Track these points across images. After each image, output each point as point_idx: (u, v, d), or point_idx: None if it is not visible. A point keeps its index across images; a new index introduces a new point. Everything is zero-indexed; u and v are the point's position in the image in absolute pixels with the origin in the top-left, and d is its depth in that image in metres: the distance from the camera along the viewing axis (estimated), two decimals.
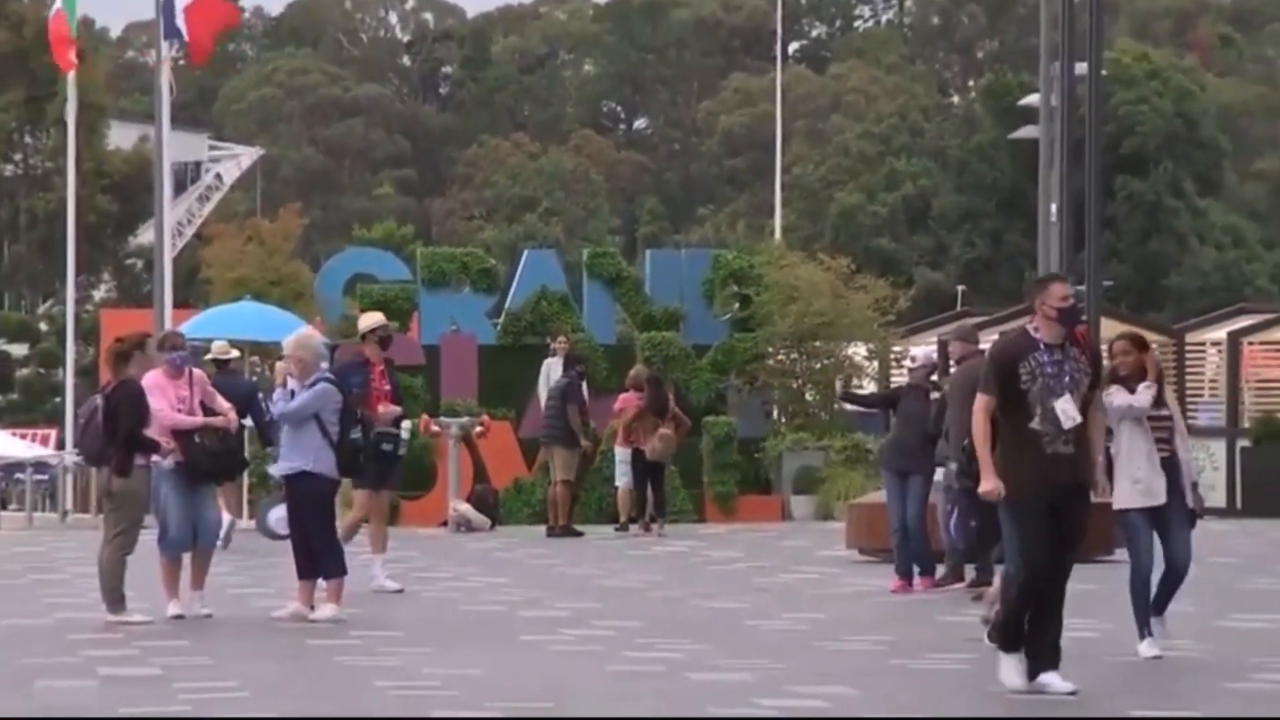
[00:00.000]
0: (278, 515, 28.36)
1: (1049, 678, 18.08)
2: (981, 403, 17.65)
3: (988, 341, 47.09)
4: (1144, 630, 22.54)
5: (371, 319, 31.52)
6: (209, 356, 31.39)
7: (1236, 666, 22.11)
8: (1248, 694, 20.83)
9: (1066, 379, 17.33)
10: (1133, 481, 22.36)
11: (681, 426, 43.09)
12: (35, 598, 29.34)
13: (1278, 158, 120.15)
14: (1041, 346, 17.41)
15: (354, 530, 30.14)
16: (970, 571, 30.27)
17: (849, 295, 54.32)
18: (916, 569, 30.33)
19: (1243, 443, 53.13)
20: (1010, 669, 18.13)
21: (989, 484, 17.67)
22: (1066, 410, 17.22)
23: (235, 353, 33.61)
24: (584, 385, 43.15)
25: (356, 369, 29.93)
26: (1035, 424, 17.28)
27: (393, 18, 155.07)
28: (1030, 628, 18.08)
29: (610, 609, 28.14)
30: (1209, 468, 57.15)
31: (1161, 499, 22.49)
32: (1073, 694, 18.24)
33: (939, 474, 30.62)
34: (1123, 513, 22.48)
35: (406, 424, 32.74)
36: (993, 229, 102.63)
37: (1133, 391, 22.30)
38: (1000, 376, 17.48)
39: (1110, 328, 47.26)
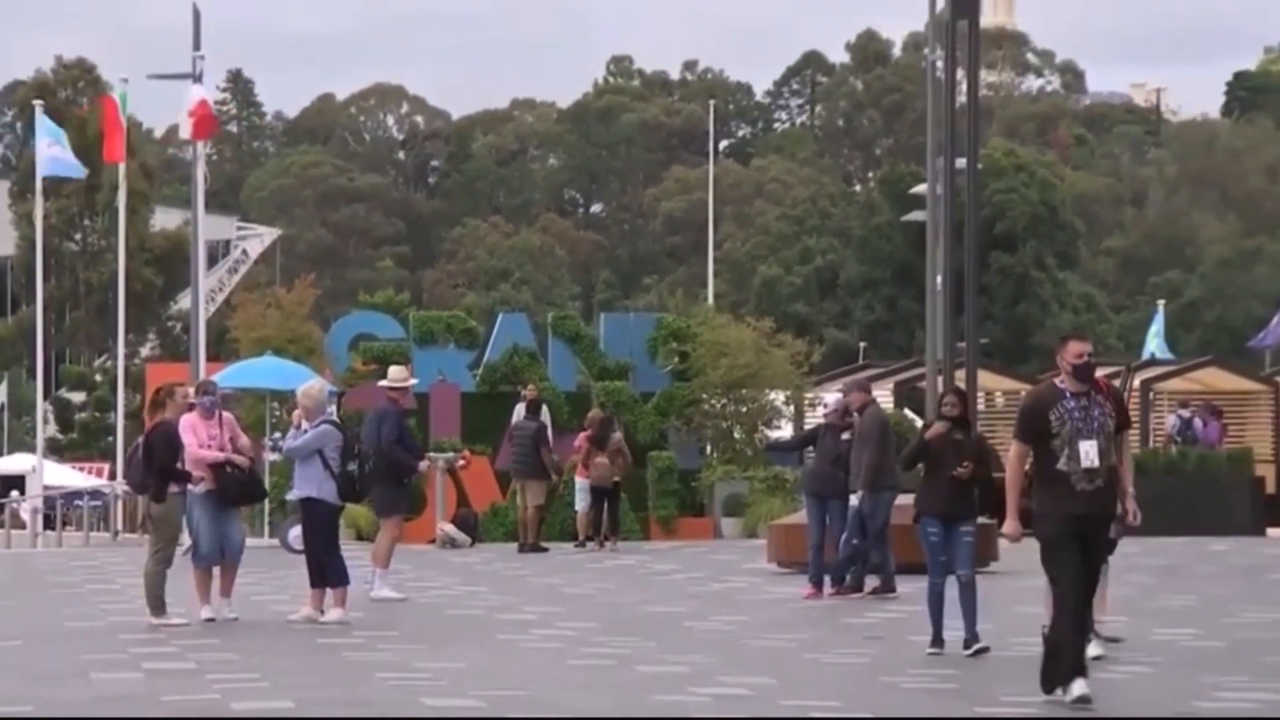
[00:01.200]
0: (294, 533, 28.34)
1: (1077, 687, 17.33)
2: (1017, 450, 17.36)
3: (881, 389, 47.22)
4: (941, 634, 22.75)
5: (403, 372, 31.76)
6: (384, 383, 31.19)
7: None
8: (1103, 682, 20.87)
9: (1094, 424, 16.92)
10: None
11: (622, 458, 43.14)
12: (92, 604, 29.27)
13: (1123, 237, 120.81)
14: (1067, 395, 17.03)
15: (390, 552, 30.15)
16: (871, 581, 30.33)
17: (770, 351, 54.42)
18: (832, 581, 30.32)
19: None
20: (1078, 686, 17.28)
21: (1010, 527, 17.26)
22: (1089, 452, 16.78)
23: (319, 389, 33.52)
24: (549, 427, 43.17)
25: (390, 416, 29.99)
26: (1062, 464, 16.83)
27: (390, 120, 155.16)
28: (1065, 653, 17.39)
29: (571, 612, 28.11)
30: None
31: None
32: (1085, 701, 17.26)
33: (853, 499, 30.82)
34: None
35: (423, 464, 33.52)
36: (889, 296, 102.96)
37: None
38: (1033, 424, 17.09)
39: (985, 378, 47.25)
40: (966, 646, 22.37)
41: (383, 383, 31.96)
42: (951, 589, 22.82)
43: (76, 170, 62.67)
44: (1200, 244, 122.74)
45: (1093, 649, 21.70)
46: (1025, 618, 22.59)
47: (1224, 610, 28.33)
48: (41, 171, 63.71)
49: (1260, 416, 59.06)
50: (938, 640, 22.89)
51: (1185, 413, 56.18)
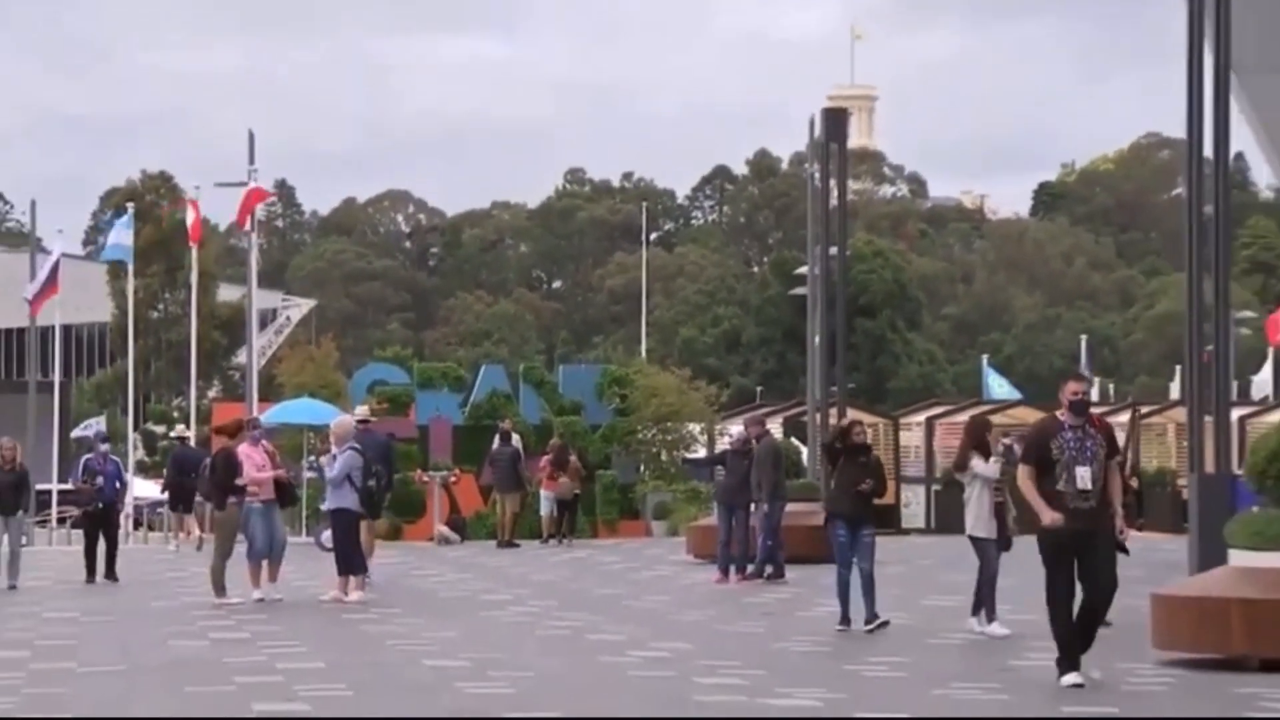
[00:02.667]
0: (325, 535, 28.23)
1: (1074, 675, 16.59)
2: (1025, 471, 16.64)
3: (773, 423, 47.02)
4: (978, 610, 22.02)
5: (364, 409, 31.63)
6: (355, 418, 30.85)
7: (936, 629, 22.06)
8: (944, 647, 20.85)
9: (1088, 453, 16.35)
10: (980, 519, 22.12)
11: (576, 475, 43.15)
12: (170, 589, 29.10)
13: (956, 307, 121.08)
14: (1066, 427, 16.45)
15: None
16: (766, 569, 30.26)
17: (688, 393, 54.39)
18: (736, 568, 30.21)
19: (935, 486, 53.14)
20: (1071, 678, 16.54)
21: (1048, 517, 16.21)
22: (1084, 476, 16.24)
23: (373, 418, 33.17)
24: (521, 451, 43.05)
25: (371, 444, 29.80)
26: (1061, 486, 16.23)
27: (399, 217, 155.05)
28: (1073, 643, 16.73)
29: (537, 594, 27.96)
30: (914, 502, 57.35)
31: (994, 534, 22.28)
32: (1079, 685, 16.44)
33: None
34: (976, 539, 22.07)
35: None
36: (779, 351, 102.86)
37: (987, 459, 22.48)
38: (1038, 452, 16.50)
39: (852, 413, 47.12)
40: (868, 623, 21.99)
41: (356, 415, 31.72)
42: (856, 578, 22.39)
43: (128, 255, 62.69)
44: (1014, 312, 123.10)
45: (999, 629, 21.72)
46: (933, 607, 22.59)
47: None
48: (105, 256, 63.62)
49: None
50: (845, 619, 22.39)
51: (1008, 440, 56.35)
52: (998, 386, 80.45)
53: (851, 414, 47.18)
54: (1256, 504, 20.25)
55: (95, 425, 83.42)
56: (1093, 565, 16.30)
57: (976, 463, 22.18)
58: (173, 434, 39.76)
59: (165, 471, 47.89)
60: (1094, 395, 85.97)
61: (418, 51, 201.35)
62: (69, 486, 59.10)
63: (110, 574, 29.70)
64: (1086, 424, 16.39)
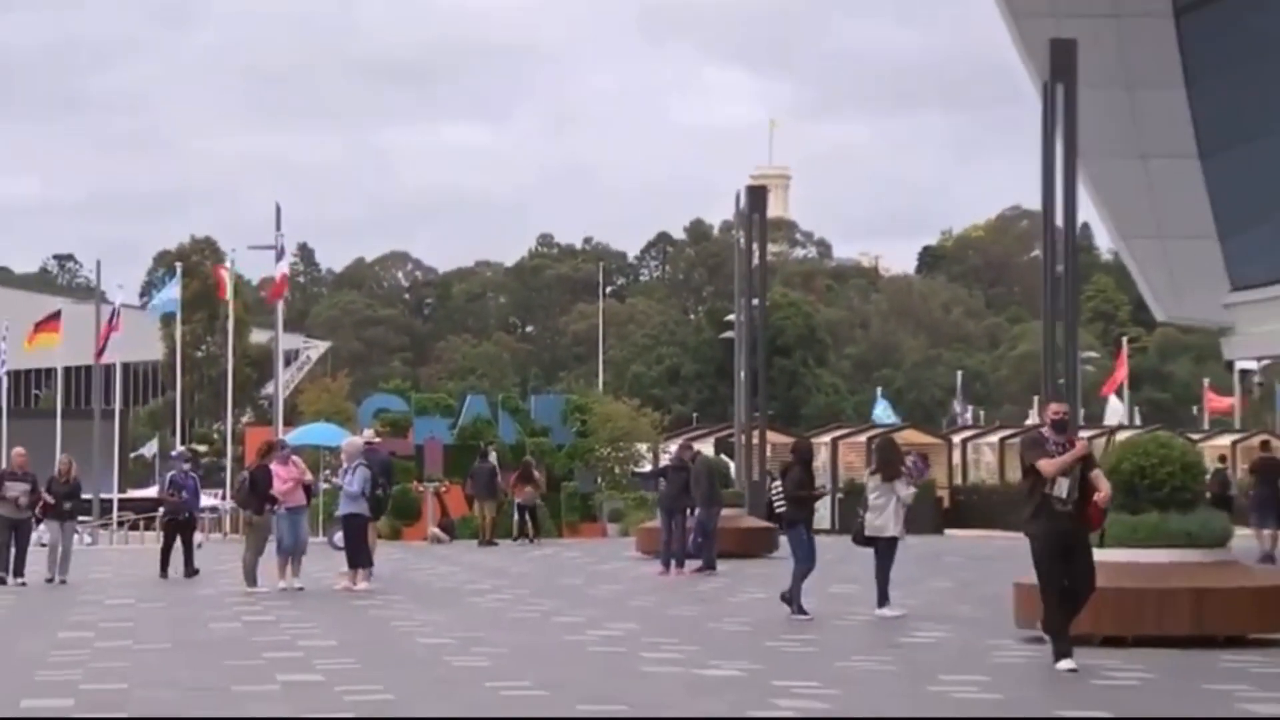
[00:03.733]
0: (338, 537, 28.17)
1: (1068, 662, 15.84)
2: (1045, 464, 15.63)
3: (707, 442, 46.96)
4: (883, 600, 21.78)
5: (369, 432, 31.56)
6: (363, 439, 30.78)
7: (841, 613, 22.03)
8: (847, 627, 20.82)
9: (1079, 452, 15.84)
10: (892, 523, 21.94)
11: (538, 486, 43.26)
12: (210, 579, 28.98)
13: (855, 348, 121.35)
14: (1050, 442, 15.82)
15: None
16: (693, 564, 30.24)
17: (637, 419, 54.56)
18: (676, 563, 30.19)
19: (839, 494, 53.08)
20: (1065, 664, 15.78)
21: (1077, 451, 15.80)
22: (1063, 486, 15.64)
23: (377, 438, 33.05)
24: (498, 466, 42.96)
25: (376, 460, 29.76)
26: (1048, 490, 15.67)
27: (400, 274, 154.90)
28: (1061, 632, 16.01)
29: (511, 584, 27.92)
30: (821, 508, 57.34)
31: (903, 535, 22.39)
32: (1073, 671, 15.60)
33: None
34: (884, 538, 21.86)
35: None
36: (711, 384, 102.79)
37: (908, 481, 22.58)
38: (1040, 449, 15.76)
39: (771, 436, 47.15)
40: (803, 612, 21.63)
41: (363, 437, 31.73)
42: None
43: (176, 307, 62.88)
44: (903, 352, 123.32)
45: (890, 611, 21.60)
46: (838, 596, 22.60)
47: (927, 573, 28.37)
48: (158, 308, 63.64)
49: (939, 459, 59.40)
50: (799, 609, 21.68)
51: (911, 458, 56.44)
52: (882, 413, 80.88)
53: (770, 436, 47.52)
54: None
55: (152, 446, 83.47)
56: (1073, 561, 15.90)
57: (899, 485, 22.11)
58: (173, 454, 39.63)
59: (168, 486, 47.80)
60: (968, 420, 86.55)
61: (417, 137, 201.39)
62: (152, 494, 59.13)
63: (189, 571, 29.34)
64: (1067, 441, 15.92)
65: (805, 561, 21.79)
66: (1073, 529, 15.72)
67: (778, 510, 22.47)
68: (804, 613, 21.44)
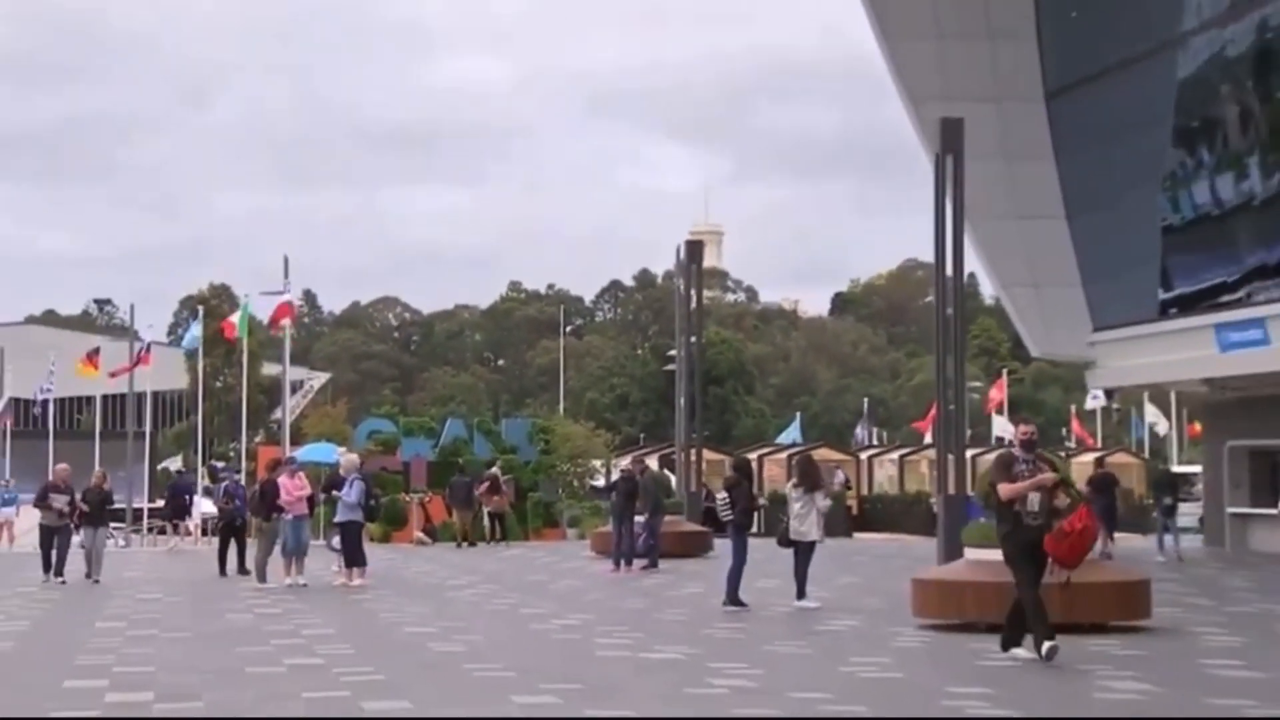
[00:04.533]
0: (335, 540, 27.95)
1: (1021, 649, 15.31)
2: (1005, 488, 14.92)
3: (652, 459, 46.82)
4: (801, 593, 21.66)
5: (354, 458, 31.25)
6: (357, 457, 30.57)
7: (766, 605, 22.02)
8: (770, 617, 20.80)
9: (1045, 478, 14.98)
10: (813, 528, 21.84)
11: (505, 496, 43.13)
12: (227, 576, 28.80)
13: (778, 378, 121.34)
14: (1020, 460, 15.15)
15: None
16: (640, 562, 30.19)
17: (592, 439, 54.47)
18: (625, 562, 30.15)
19: (763, 502, 52.80)
20: (1024, 652, 15.24)
21: (1044, 478, 14.94)
22: (1034, 499, 14.91)
23: (350, 455, 32.82)
24: (472, 480, 42.79)
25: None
26: (1017, 507, 14.92)
27: (390, 315, 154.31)
28: (1014, 624, 15.40)
29: (485, 580, 27.78)
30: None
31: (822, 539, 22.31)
32: (1056, 650, 14.82)
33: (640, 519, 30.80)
34: (805, 541, 21.75)
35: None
36: (655, 409, 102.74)
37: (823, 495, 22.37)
38: (1008, 470, 15.01)
39: (707, 454, 47.11)
40: (741, 604, 21.49)
41: (350, 454, 31.60)
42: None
43: (197, 344, 63.08)
44: (818, 382, 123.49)
45: (810, 603, 21.46)
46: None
47: (839, 571, 28.38)
48: (184, 345, 63.67)
49: (849, 473, 59.58)
50: (737, 601, 21.55)
51: (840, 474, 56.85)
52: (789, 435, 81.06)
53: (707, 455, 47.56)
54: (982, 516, 20.37)
55: (176, 463, 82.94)
56: (1038, 567, 15.16)
57: (818, 496, 22.16)
58: (174, 468, 39.35)
59: (166, 492, 47.49)
60: (872, 439, 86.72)
61: (408, 196, 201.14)
62: (208, 503, 58.88)
63: (242, 569, 28.85)
64: (1035, 459, 15.31)
65: (741, 561, 21.80)
66: (1038, 539, 15.07)
67: (725, 518, 22.39)
68: (743, 605, 21.42)
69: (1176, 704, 12.82)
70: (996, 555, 19.14)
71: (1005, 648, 15.40)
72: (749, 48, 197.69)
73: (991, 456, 39.61)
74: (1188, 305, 35.08)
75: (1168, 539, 32.83)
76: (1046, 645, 14.68)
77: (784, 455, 58.92)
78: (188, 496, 43.41)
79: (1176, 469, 51.96)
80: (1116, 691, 13.53)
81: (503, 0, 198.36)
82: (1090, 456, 62.40)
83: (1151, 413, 71.31)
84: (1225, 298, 33.74)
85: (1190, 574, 28.47)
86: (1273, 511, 34.74)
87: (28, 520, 45.88)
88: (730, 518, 22.14)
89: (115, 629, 19.18)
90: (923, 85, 38.26)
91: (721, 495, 22.72)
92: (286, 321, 53.59)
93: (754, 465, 58.44)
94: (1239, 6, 32.49)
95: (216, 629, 19.19)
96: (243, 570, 28.84)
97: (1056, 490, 14.99)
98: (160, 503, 59.58)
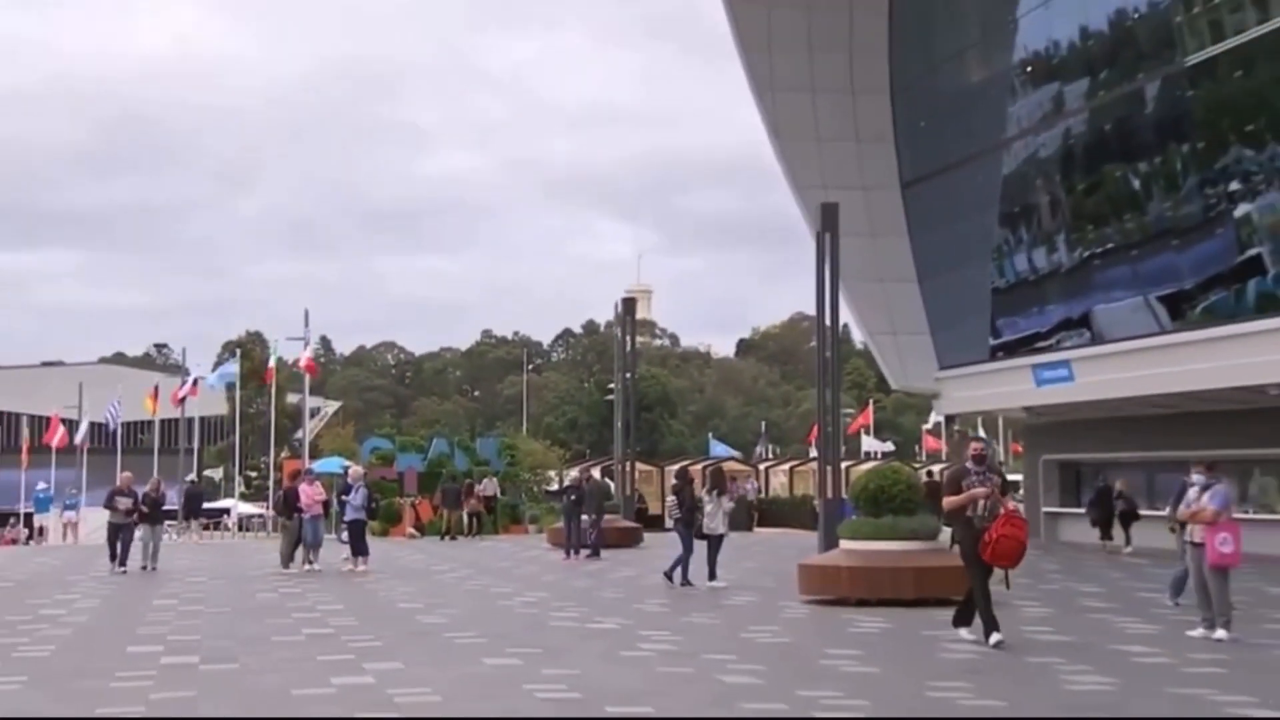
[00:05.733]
0: (344, 535, 27.69)
1: (966, 631, 14.15)
2: (950, 498, 13.89)
3: (596, 469, 46.65)
4: (712, 576, 21.50)
5: (359, 469, 30.84)
6: (360, 469, 30.09)
7: (686, 586, 21.95)
8: (688, 594, 20.71)
9: (986, 488, 13.77)
10: (720, 524, 21.95)
11: (481, 499, 42.89)
12: (256, 562, 28.48)
13: (696, 406, 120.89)
14: (971, 471, 13.95)
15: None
16: (584, 552, 30.05)
17: (549, 454, 54.41)
18: (581, 552, 30.00)
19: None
20: (967, 634, 14.07)
21: (979, 492, 13.83)
22: (981, 506, 13.68)
23: (357, 467, 32.27)
24: (455, 488, 42.49)
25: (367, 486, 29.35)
26: (969, 511, 13.76)
27: (389, 357, 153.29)
28: (964, 607, 14.20)
29: (463, 567, 27.61)
30: (672, 514, 56.96)
31: (727, 532, 22.22)
32: (1001, 642, 13.59)
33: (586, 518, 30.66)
34: (716, 535, 21.80)
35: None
36: (598, 430, 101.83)
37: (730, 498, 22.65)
38: (955, 485, 13.98)
39: (640, 465, 46.92)
40: (685, 583, 21.42)
41: (357, 466, 31.31)
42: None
43: (234, 379, 62.85)
44: (727, 409, 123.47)
45: (719, 584, 21.34)
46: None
47: (742, 558, 28.32)
48: (221, 380, 63.19)
49: (751, 481, 59.52)
50: (686, 582, 21.32)
51: (744, 483, 56.74)
52: (717, 448, 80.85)
53: (639, 465, 47.42)
54: (854, 514, 20.45)
55: (219, 474, 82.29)
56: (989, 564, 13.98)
57: (724, 500, 22.24)
58: (188, 478, 38.58)
59: (181, 498, 46.98)
60: (769, 454, 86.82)
61: (402, 262, 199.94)
62: (220, 505, 58.16)
63: (353, 560, 26.93)
64: (985, 470, 14.19)
65: (689, 551, 21.78)
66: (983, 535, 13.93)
67: (674, 516, 22.69)
68: (690, 584, 21.32)
69: (1002, 662, 12.89)
70: (866, 545, 19.29)
71: (955, 625, 14.38)
72: (676, 146, 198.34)
73: (863, 468, 39.79)
74: (1011, 350, 35.35)
75: None
76: (995, 637, 13.60)
77: (700, 466, 58.70)
78: (199, 502, 42.63)
79: (933, 469, 52.64)
80: (957, 652, 13.57)
81: (478, 107, 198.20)
82: (938, 466, 62.87)
83: (984, 434, 71.77)
84: (1040, 344, 34.02)
85: None
86: (1080, 510, 34.93)
87: (91, 522, 45.23)
88: (678, 516, 22.35)
89: (169, 606, 18.97)
90: (806, 177, 38.47)
91: (670, 499, 22.93)
92: (308, 376, 54.09)
93: (695, 476, 58.85)
94: (1048, 119, 32.87)
95: (249, 605, 19.01)
96: (307, 560, 27.51)
97: (998, 495, 14.05)
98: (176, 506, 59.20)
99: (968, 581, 14.05)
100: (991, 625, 13.69)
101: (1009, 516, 13.87)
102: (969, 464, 14.07)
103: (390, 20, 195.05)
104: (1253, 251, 26.68)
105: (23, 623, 16.85)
